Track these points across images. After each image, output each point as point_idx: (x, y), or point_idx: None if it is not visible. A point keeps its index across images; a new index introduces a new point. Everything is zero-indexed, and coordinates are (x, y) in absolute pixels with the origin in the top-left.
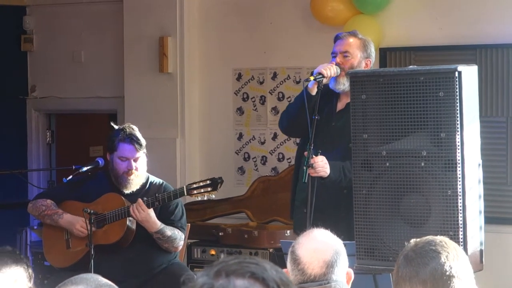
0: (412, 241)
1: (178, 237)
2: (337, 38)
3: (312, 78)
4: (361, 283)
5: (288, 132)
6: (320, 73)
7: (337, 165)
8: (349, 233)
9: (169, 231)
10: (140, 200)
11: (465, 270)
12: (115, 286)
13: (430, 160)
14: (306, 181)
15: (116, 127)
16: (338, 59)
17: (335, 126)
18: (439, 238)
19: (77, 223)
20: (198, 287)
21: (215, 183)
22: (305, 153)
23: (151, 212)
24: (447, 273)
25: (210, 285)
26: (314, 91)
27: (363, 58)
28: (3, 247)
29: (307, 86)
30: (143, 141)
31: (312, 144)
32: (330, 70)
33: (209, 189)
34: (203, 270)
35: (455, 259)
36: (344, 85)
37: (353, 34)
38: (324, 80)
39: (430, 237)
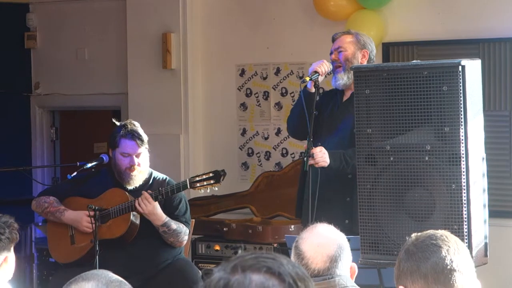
0: (413, 235)
1: (183, 231)
2: (333, 40)
3: (308, 78)
4: (365, 277)
5: (296, 134)
6: (315, 71)
7: (337, 153)
8: (352, 217)
9: (175, 224)
10: (145, 192)
11: (466, 264)
12: (126, 282)
13: (434, 154)
14: (306, 169)
15: (118, 123)
16: (333, 56)
17: (341, 117)
18: (440, 232)
19: (82, 220)
20: (215, 282)
21: (218, 175)
22: (305, 146)
23: (157, 204)
24: (448, 267)
25: (226, 280)
26: (312, 89)
27: (358, 49)
28: None
29: (305, 86)
30: (144, 137)
31: (312, 137)
32: (323, 66)
33: (212, 181)
34: (220, 265)
35: (456, 253)
36: (343, 79)
37: (346, 32)
38: (320, 78)
39: (431, 231)
